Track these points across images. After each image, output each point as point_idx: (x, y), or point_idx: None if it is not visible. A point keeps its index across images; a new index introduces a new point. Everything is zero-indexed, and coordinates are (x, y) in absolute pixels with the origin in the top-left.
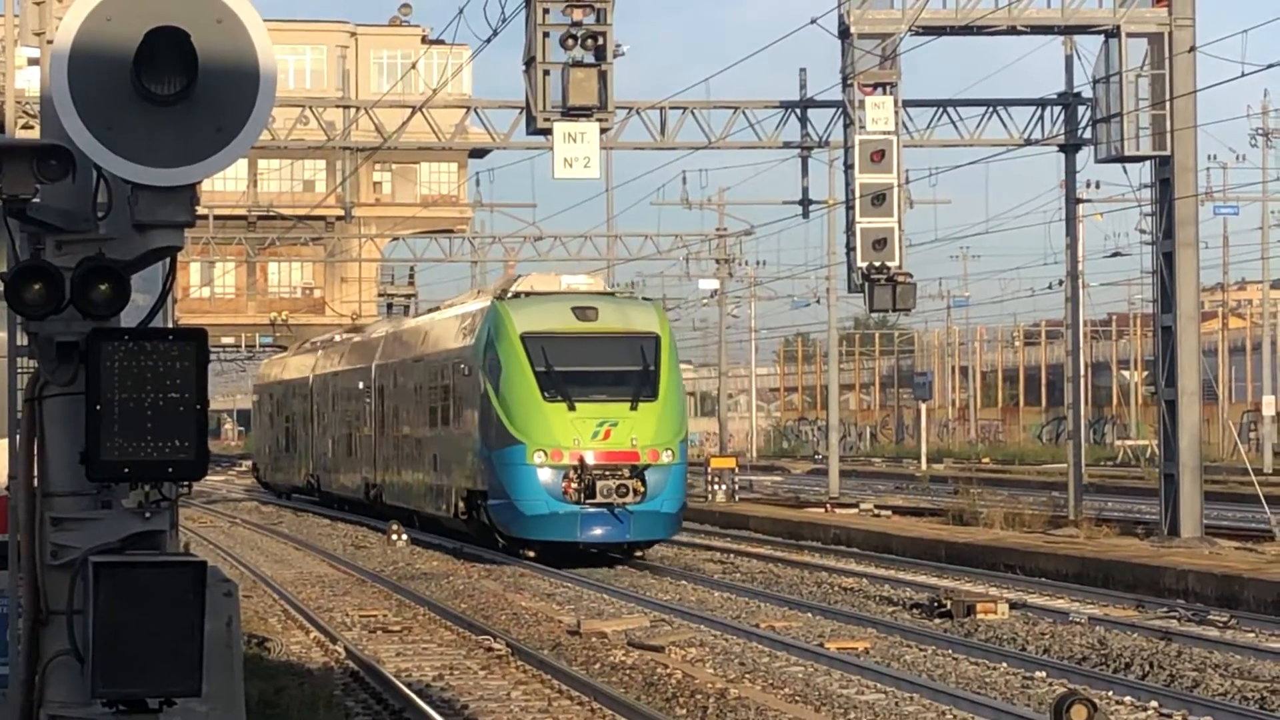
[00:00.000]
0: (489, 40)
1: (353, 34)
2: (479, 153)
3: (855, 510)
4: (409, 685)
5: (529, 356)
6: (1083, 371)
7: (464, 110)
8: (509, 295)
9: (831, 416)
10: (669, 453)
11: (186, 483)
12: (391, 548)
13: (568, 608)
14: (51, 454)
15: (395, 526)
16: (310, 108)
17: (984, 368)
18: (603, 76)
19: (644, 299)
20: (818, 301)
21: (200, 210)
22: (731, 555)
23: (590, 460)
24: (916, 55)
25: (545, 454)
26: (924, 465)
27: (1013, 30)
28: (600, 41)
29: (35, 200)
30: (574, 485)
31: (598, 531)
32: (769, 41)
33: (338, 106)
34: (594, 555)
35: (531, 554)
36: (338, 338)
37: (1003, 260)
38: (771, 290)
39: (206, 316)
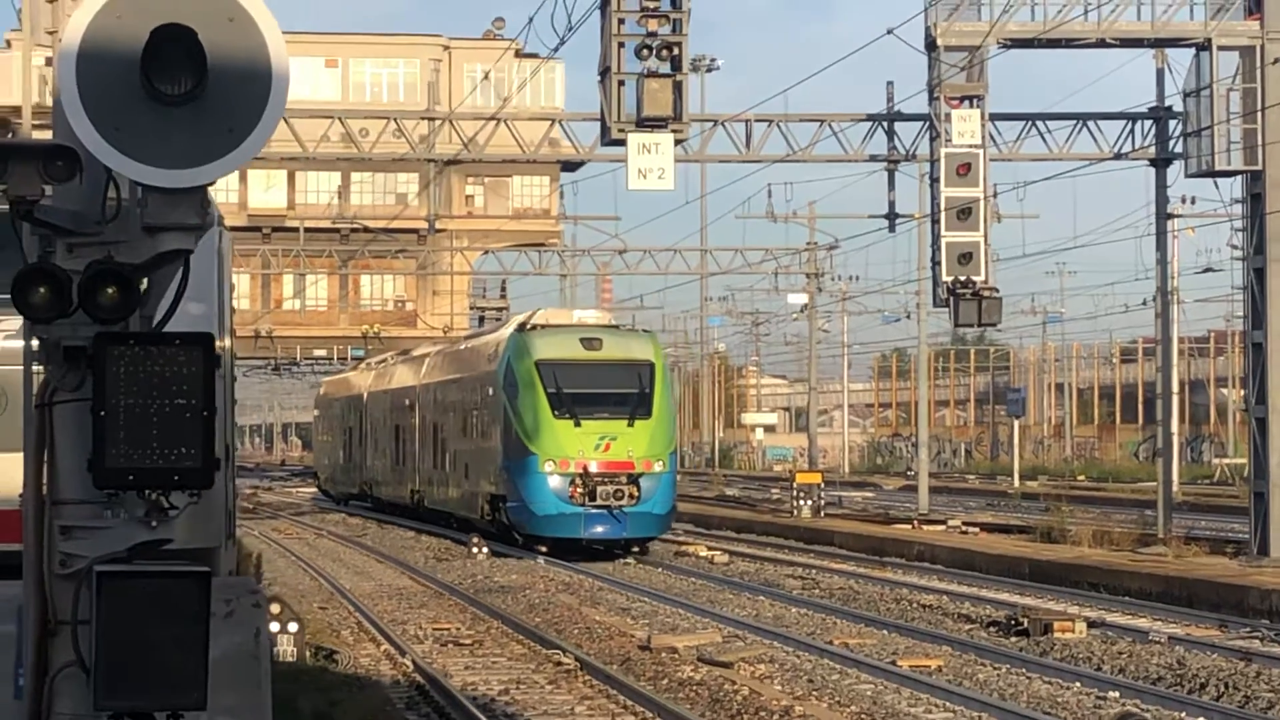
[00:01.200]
0: (556, 49)
1: (446, 47)
2: (571, 166)
3: (943, 527)
4: (474, 699)
5: (542, 380)
6: (1178, 389)
7: (548, 122)
8: (528, 327)
9: (921, 432)
10: (660, 463)
11: (195, 492)
12: (472, 560)
13: (642, 622)
14: (61, 461)
15: (476, 539)
16: (396, 119)
17: (1080, 384)
18: (678, 87)
19: (643, 330)
20: (908, 316)
21: (292, 222)
22: (813, 571)
23: (593, 469)
24: (1004, 68)
25: (554, 463)
26: (1016, 482)
27: (1102, 43)
28: (675, 52)
29: (43, 202)
30: (579, 490)
31: (599, 529)
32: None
33: (422, 118)
34: (597, 551)
35: (544, 549)
36: (389, 358)
37: (1095, 276)
38: (861, 305)
39: (298, 328)
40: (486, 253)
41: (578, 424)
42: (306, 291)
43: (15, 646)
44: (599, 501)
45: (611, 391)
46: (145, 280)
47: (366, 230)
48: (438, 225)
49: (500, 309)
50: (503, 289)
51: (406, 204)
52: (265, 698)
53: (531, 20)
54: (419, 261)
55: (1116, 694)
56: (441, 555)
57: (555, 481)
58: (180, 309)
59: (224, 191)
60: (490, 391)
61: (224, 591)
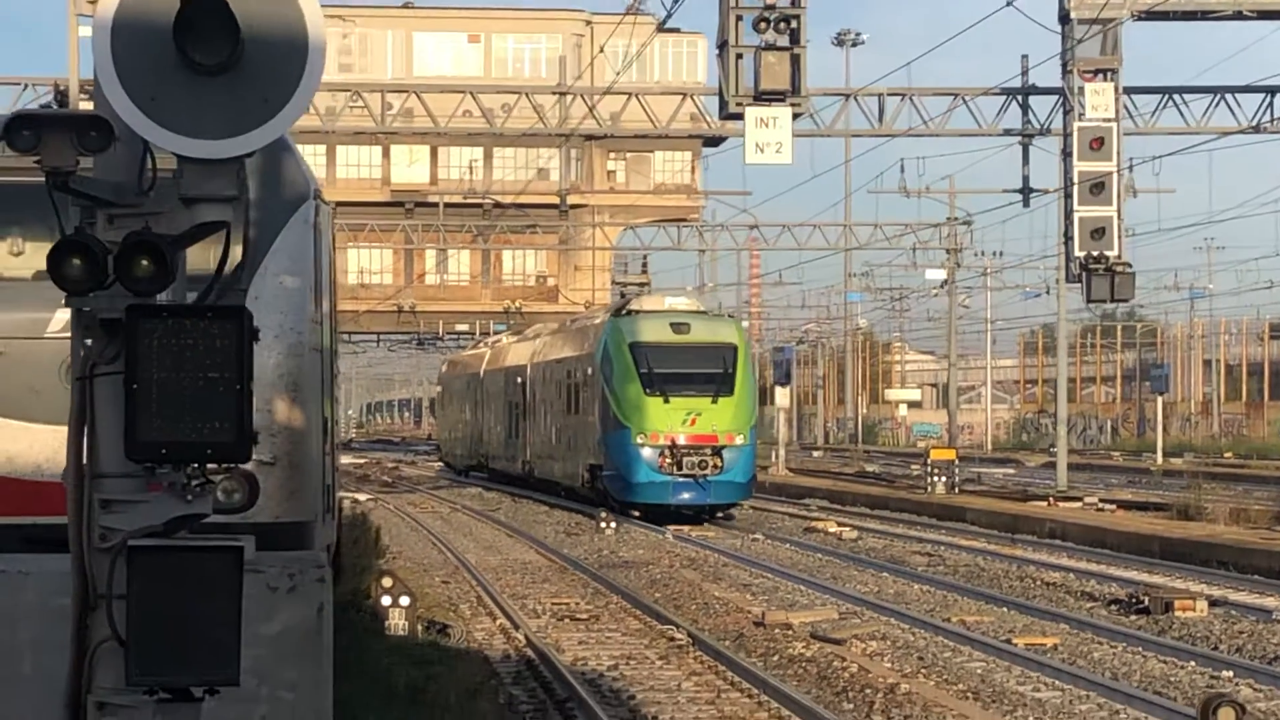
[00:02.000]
0: (664, 22)
1: (588, 22)
2: (713, 141)
3: (1079, 504)
4: (581, 674)
5: (635, 361)
6: None
7: (681, 97)
8: (623, 313)
9: (1061, 409)
10: (741, 436)
11: (229, 464)
12: (600, 535)
13: (761, 598)
14: (101, 434)
15: (605, 514)
16: (528, 95)
17: (1229, 360)
18: (795, 60)
19: (728, 316)
20: (1047, 292)
21: (433, 197)
22: (941, 547)
23: (680, 441)
24: (1140, 41)
25: (646, 436)
26: (1159, 459)
27: (1239, 15)
28: (794, 25)
29: (86, 173)
30: (667, 460)
31: (685, 496)
32: (992, 31)
33: (554, 93)
34: (685, 516)
35: (636, 514)
36: (504, 338)
37: (1238, 251)
38: (1001, 280)
39: (440, 303)
40: (628, 228)
41: (667, 401)
42: (449, 266)
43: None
44: (685, 471)
45: (698, 371)
46: (238, 251)
47: (497, 205)
48: (580, 200)
49: (642, 284)
50: (644, 265)
51: (547, 179)
52: (326, 673)
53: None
54: (560, 236)
55: (1230, 674)
56: (571, 530)
57: (647, 453)
58: (275, 282)
59: (367, 167)
60: (590, 371)
61: (288, 566)
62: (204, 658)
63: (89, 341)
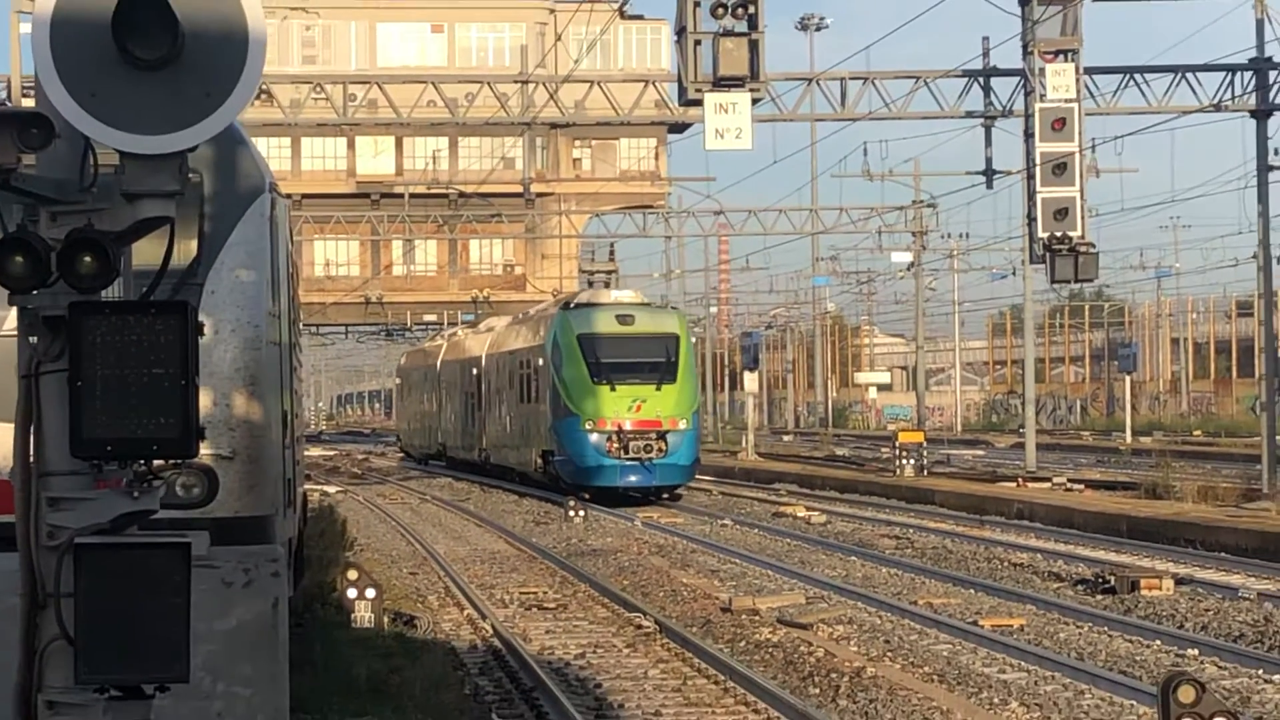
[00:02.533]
0: (622, 7)
1: (551, 10)
2: (678, 127)
3: (1048, 485)
4: (550, 663)
5: (583, 351)
6: None
7: (643, 84)
8: (571, 306)
9: (1028, 390)
10: (684, 421)
11: (176, 461)
12: (568, 524)
13: (729, 584)
14: (47, 432)
15: (574, 503)
16: (490, 84)
17: (1197, 338)
18: (754, 46)
19: (671, 307)
20: (1014, 273)
21: (400, 188)
22: (910, 530)
23: (627, 427)
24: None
25: (594, 422)
26: (1129, 438)
27: None
28: (751, 10)
29: (20, 170)
30: (614, 445)
31: (633, 479)
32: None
33: (516, 82)
34: (633, 498)
35: (587, 495)
36: (458, 332)
37: (1202, 230)
38: (967, 262)
39: (408, 294)
40: (594, 216)
41: (613, 389)
42: (416, 257)
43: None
44: (632, 455)
45: (642, 360)
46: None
47: (463, 195)
48: (546, 189)
49: (609, 272)
50: (611, 252)
51: (513, 168)
52: (282, 667)
53: None
54: (526, 225)
55: (1196, 652)
56: (540, 519)
57: (595, 438)
58: (231, 276)
59: (332, 159)
60: (541, 362)
61: (243, 561)
62: (153, 655)
63: (33, 339)
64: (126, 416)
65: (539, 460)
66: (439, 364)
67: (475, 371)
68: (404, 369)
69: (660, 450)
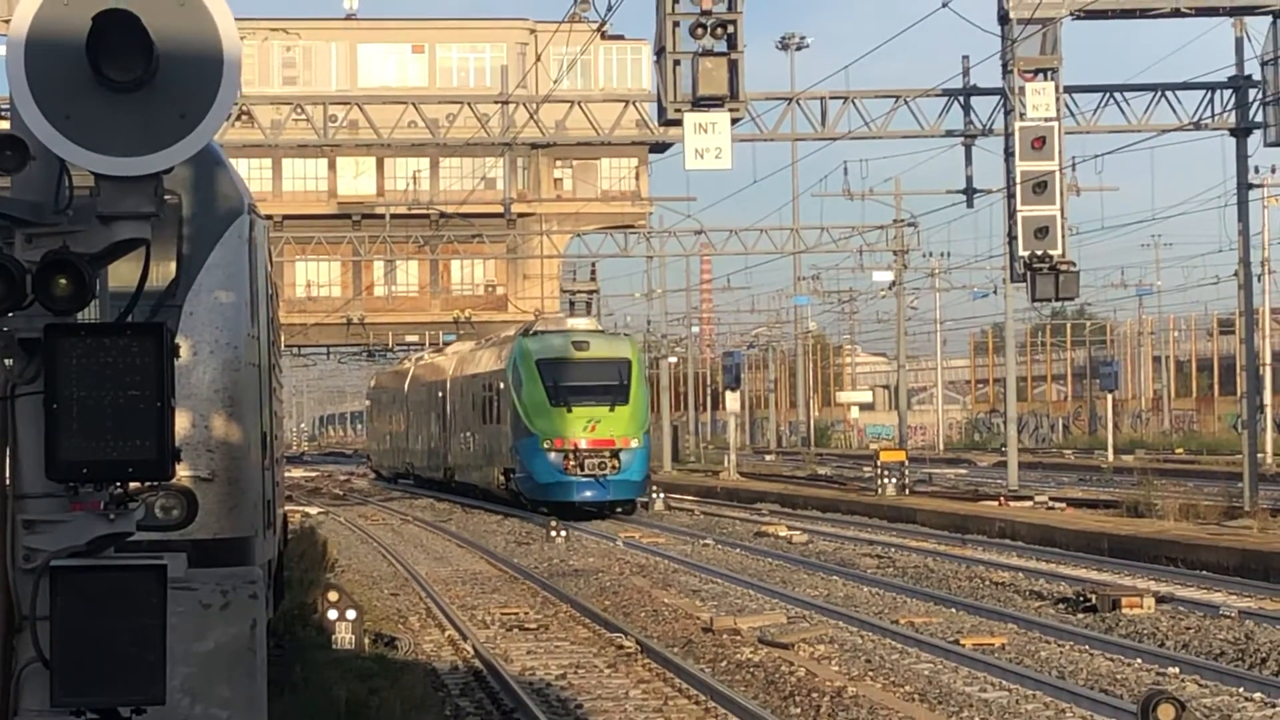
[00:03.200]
0: (600, 27)
1: (531, 30)
2: (659, 147)
3: (1030, 503)
4: (529, 684)
5: (541, 375)
6: (1272, 360)
7: (623, 104)
8: (530, 332)
9: (1010, 408)
10: (636, 440)
11: (153, 483)
12: (550, 544)
13: (710, 604)
14: (23, 454)
15: (555, 524)
16: (470, 104)
17: (1179, 356)
18: (733, 66)
19: (624, 334)
20: (995, 292)
21: (381, 209)
22: (891, 549)
23: (582, 445)
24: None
25: (551, 442)
26: (1110, 456)
27: (1177, 13)
28: (731, 30)
29: (2, 193)
30: (571, 463)
31: (588, 494)
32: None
33: (496, 102)
34: (589, 512)
35: (545, 510)
36: (425, 356)
37: (1183, 248)
38: (948, 281)
39: (390, 314)
40: (576, 235)
41: (569, 410)
42: (397, 278)
43: None
44: (587, 472)
45: (596, 384)
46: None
47: (444, 216)
48: (527, 209)
49: (591, 292)
50: (592, 272)
51: (494, 188)
52: (260, 690)
53: (611, 3)
54: (507, 245)
55: (1176, 670)
56: (522, 540)
57: (553, 457)
58: (210, 297)
59: (313, 180)
60: (502, 385)
61: (221, 583)
62: (129, 677)
63: (9, 362)
64: (102, 439)
65: (501, 478)
66: (406, 387)
67: (440, 394)
68: (374, 392)
69: (614, 467)
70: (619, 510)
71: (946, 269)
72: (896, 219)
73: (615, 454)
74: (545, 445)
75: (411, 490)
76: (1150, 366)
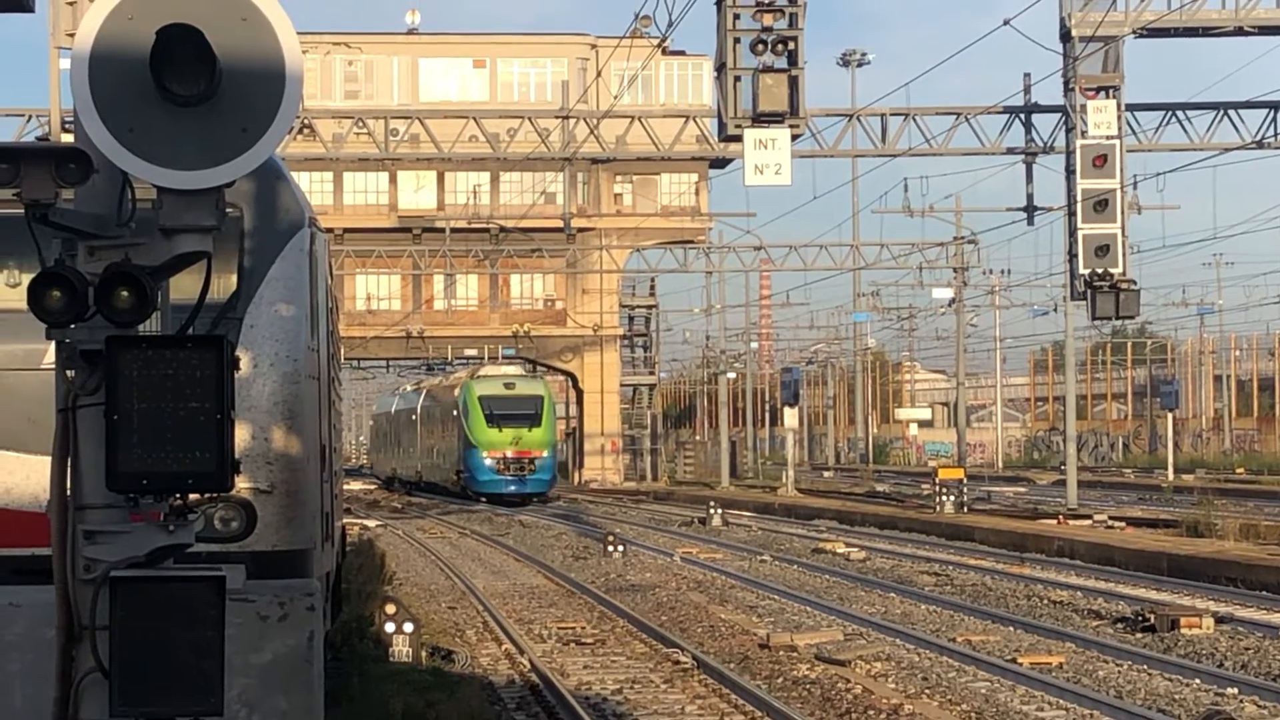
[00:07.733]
0: (661, 43)
1: (593, 46)
2: (719, 163)
3: (1089, 522)
4: (585, 699)
5: (481, 405)
6: None
7: (683, 120)
8: (476, 376)
9: (1069, 426)
10: (546, 451)
11: (212, 494)
12: (607, 559)
13: (767, 620)
14: (83, 466)
15: (611, 538)
16: (531, 119)
17: (1241, 375)
18: (793, 82)
19: (538, 378)
20: (1055, 310)
21: (441, 223)
22: (949, 567)
23: (509, 454)
24: (1143, 59)
25: (488, 451)
26: (1171, 475)
27: (1240, 31)
28: (791, 46)
29: (58, 205)
30: (501, 466)
31: (512, 488)
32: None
33: (557, 117)
34: (512, 501)
35: (484, 500)
36: (408, 387)
37: (1246, 267)
38: (1008, 299)
39: (449, 328)
40: (635, 250)
41: (500, 430)
42: (457, 291)
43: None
44: (513, 473)
45: (519, 413)
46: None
47: (504, 230)
48: (587, 223)
49: (649, 307)
50: (652, 287)
51: (554, 203)
52: (317, 702)
53: (671, 19)
54: (567, 260)
55: (1235, 690)
56: (579, 554)
57: (489, 462)
58: (270, 310)
59: (374, 193)
60: (455, 412)
61: (279, 595)
62: (187, 688)
63: (70, 373)
64: (162, 450)
65: (454, 476)
66: (393, 412)
67: (414, 417)
68: (375, 415)
69: (531, 469)
70: (534, 500)
71: (1006, 286)
72: (957, 236)
73: (532, 460)
74: (484, 454)
75: (467, 505)
76: (1211, 386)
